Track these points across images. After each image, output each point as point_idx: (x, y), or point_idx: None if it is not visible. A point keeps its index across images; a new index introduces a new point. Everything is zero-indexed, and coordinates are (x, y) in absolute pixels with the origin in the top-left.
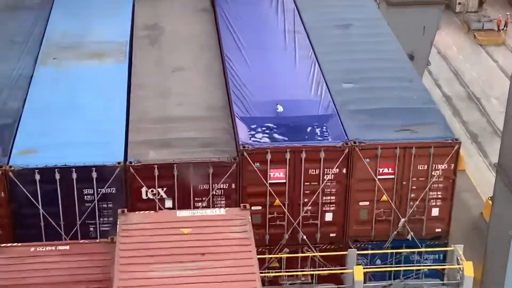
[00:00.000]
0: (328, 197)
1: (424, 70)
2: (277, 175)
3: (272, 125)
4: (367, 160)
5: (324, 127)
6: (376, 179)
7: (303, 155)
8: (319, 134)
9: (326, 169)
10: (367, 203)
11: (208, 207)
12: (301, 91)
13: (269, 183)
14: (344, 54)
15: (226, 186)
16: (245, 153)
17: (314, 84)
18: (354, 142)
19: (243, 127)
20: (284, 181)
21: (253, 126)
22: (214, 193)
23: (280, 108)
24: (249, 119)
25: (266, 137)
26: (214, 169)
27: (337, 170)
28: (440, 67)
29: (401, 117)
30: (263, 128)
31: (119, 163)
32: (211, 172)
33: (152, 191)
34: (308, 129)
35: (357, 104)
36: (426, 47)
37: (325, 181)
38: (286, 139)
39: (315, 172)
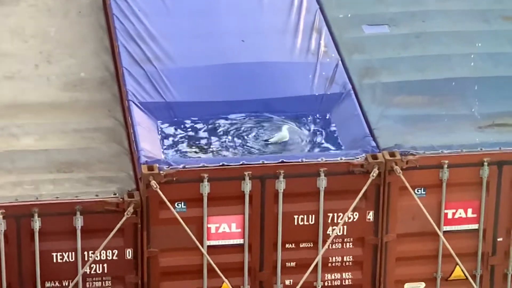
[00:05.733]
0: (336, 275)
1: None
2: (225, 228)
3: (213, 123)
4: (420, 190)
5: (327, 123)
6: (440, 233)
7: (280, 184)
8: (315, 138)
9: (330, 214)
10: (421, 285)
11: None
12: (276, 43)
13: (208, 246)
14: None
15: (112, 254)
16: (153, 181)
17: (303, 29)
18: (392, 154)
19: (146, 127)
20: (240, 241)
21: (165, 126)
22: (88, 270)
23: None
24: (157, 106)
25: (196, 146)
26: (86, 218)
27: (356, 215)
28: None
29: (491, 99)
30: (190, 128)
31: None
32: (79, 225)
33: None
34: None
35: (398, 71)
36: None
37: (329, 240)
38: (242, 150)
39: (306, 220)
